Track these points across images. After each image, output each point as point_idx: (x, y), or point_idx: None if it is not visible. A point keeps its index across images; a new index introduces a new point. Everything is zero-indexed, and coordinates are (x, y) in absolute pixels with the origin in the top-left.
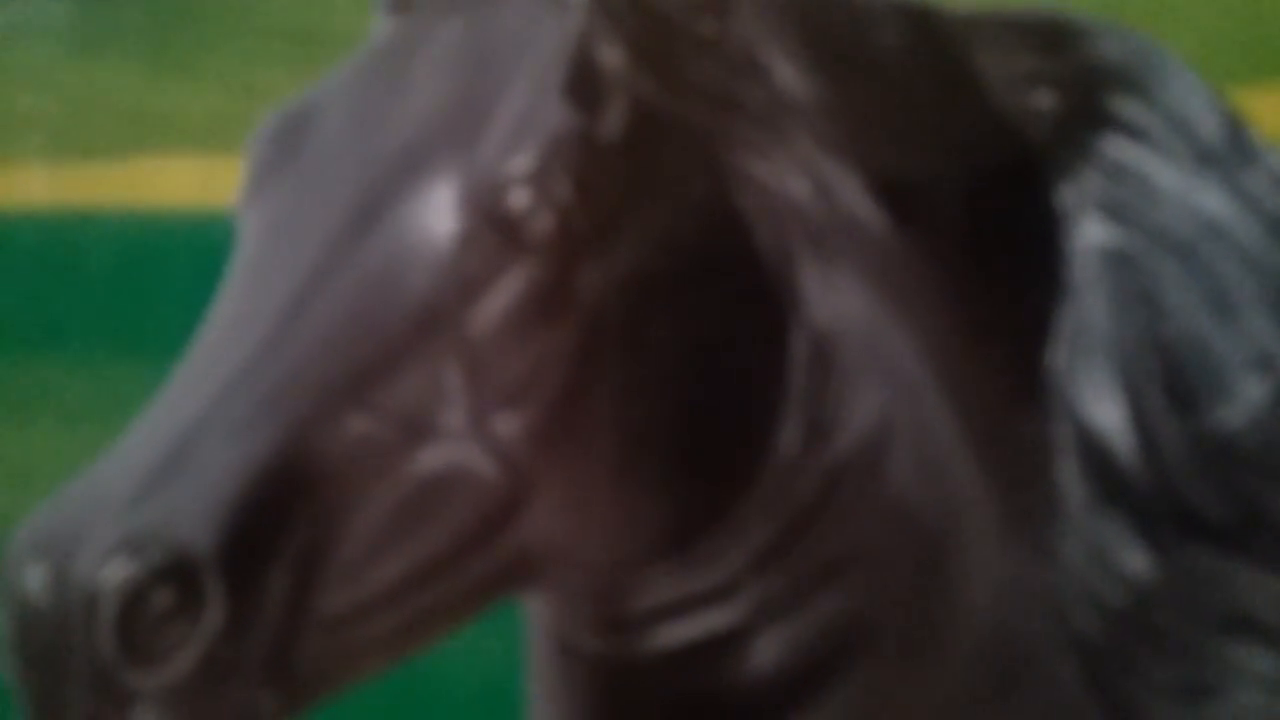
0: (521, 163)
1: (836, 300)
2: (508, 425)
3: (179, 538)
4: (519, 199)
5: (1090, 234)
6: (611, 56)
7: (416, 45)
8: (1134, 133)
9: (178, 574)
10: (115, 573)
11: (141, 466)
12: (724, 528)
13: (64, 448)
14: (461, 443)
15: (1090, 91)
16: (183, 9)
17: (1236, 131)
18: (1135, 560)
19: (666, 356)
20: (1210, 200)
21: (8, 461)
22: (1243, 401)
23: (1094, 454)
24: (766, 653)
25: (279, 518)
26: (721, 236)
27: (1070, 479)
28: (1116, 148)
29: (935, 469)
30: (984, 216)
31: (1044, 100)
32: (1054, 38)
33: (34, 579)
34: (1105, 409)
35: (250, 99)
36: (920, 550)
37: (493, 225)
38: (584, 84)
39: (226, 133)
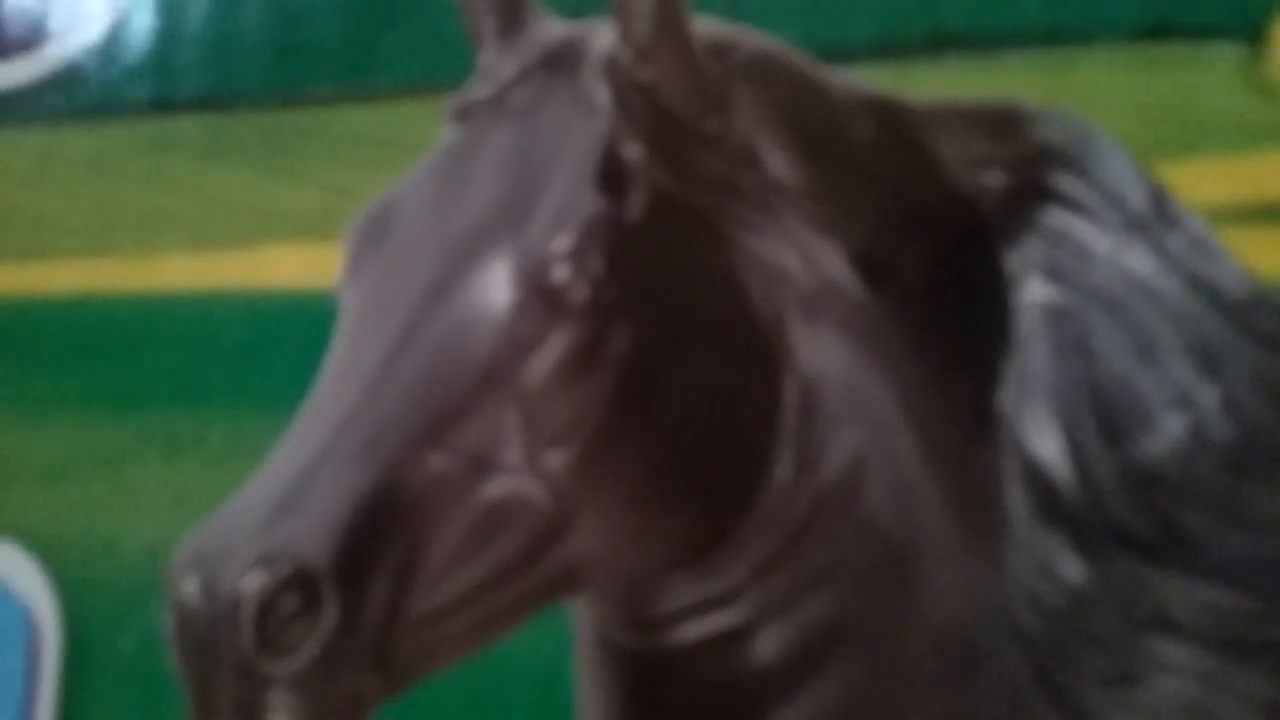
0: (563, 243)
1: (821, 354)
2: (555, 461)
3: (302, 554)
4: (561, 273)
5: (1033, 293)
6: (634, 152)
7: (475, 148)
8: (1072, 204)
9: (301, 583)
10: (253, 582)
11: (270, 497)
12: (729, 544)
13: (210, 483)
14: (518, 476)
15: (1034, 170)
16: (286, 123)
17: (1161, 201)
18: (1071, 569)
19: (681, 402)
20: (1138, 261)
21: (167, 494)
22: (1164, 435)
23: (1036, 480)
24: (765, 647)
25: (378, 538)
26: (725, 301)
27: (1016, 501)
28: (1056, 218)
29: (904, 494)
30: (943, 280)
31: (994, 179)
32: (1003, 124)
33: (189, 588)
34: (1046, 443)
35: (344, 197)
36: (890, 562)
37: (540, 296)
38: (612, 176)
39: (326, 226)
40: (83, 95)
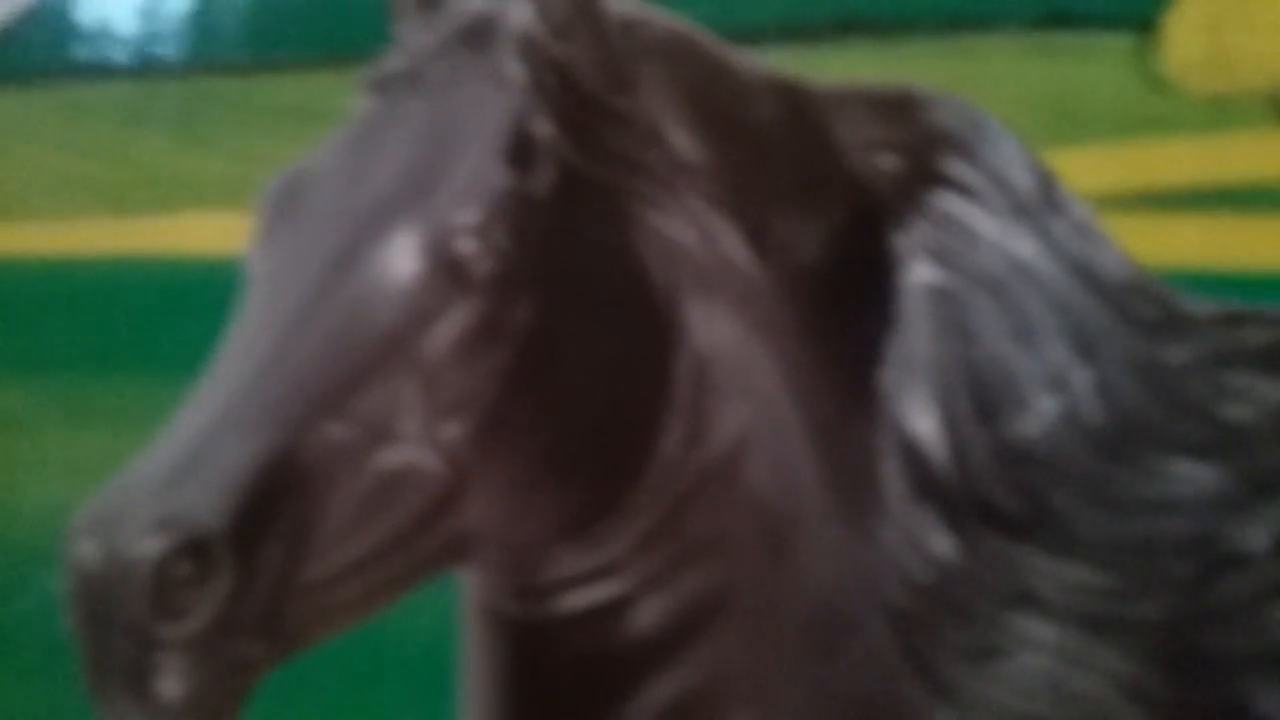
0: (469, 216)
1: (714, 330)
2: (452, 431)
3: (198, 520)
4: (466, 246)
5: (918, 274)
6: (543, 128)
7: (388, 120)
8: (960, 188)
9: (197, 549)
10: (149, 547)
11: (170, 463)
12: (616, 515)
13: (113, 448)
14: (415, 446)
15: (926, 154)
16: (203, 90)
17: (1048, 187)
18: (942, 545)
19: (578, 375)
20: (1022, 246)
21: (69, 458)
22: (1038, 415)
23: (912, 457)
24: (646, 617)
25: (274, 505)
26: (625, 276)
27: (892, 477)
28: (946, 202)
29: (785, 469)
30: (834, 261)
31: (888, 162)
32: (899, 109)
33: (87, 552)
34: (923, 421)
35: (258, 165)
36: (770, 534)
37: (444, 268)
38: (520, 151)
39: (240, 194)
40: (3, 61)
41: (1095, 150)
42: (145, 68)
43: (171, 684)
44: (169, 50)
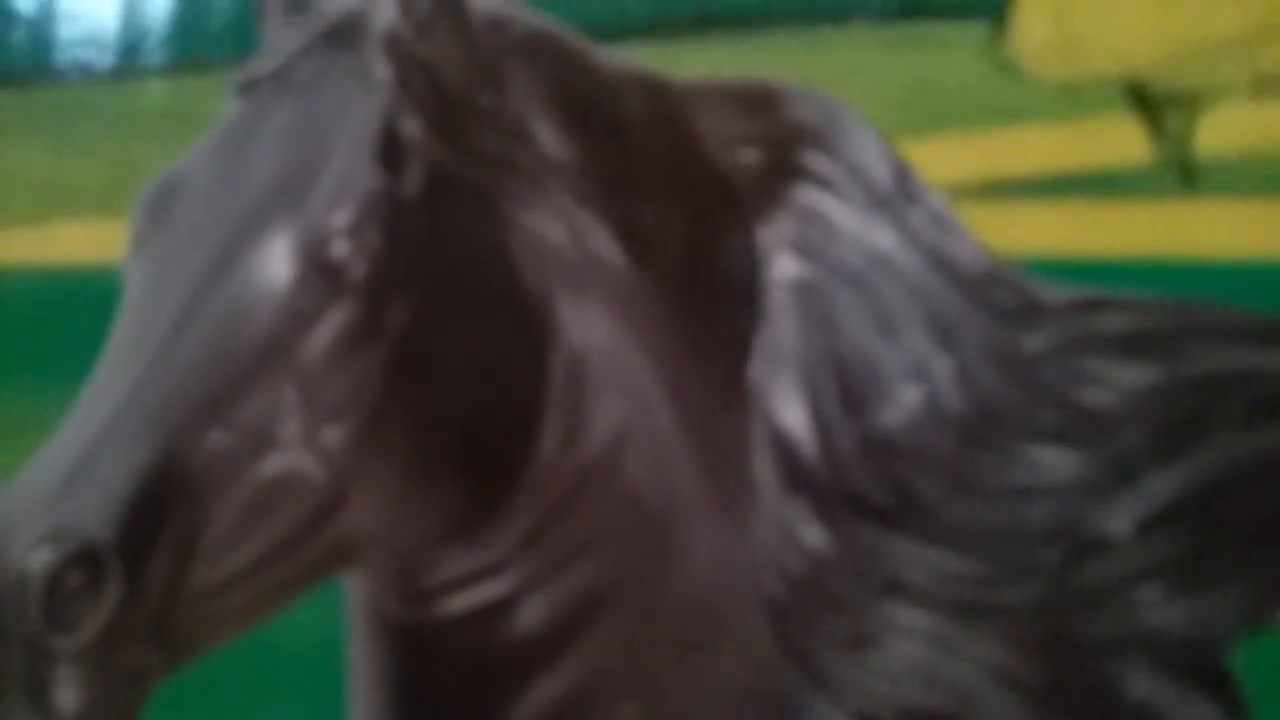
0: (341, 218)
1: (586, 327)
2: (332, 436)
3: (87, 531)
4: (340, 249)
5: (783, 268)
6: (412, 127)
7: (258, 123)
8: (820, 181)
9: (87, 559)
10: (39, 559)
11: (57, 474)
12: (498, 516)
13: None
14: (296, 451)
15: (786, 148)
16: (77, 97)
17: (903, 178)
18: (813, 536)
19: (454, 376)
20: (881, 237)
21: None
22: (901, 405)
23: (782, 449)
24: (531, 615)
25: (161, 513)
26: (497, 276)
27: (764, 469)
28: (806, 195)
29: (661, 464)
30: (701, 255)
31: (749, 156)
32: (759, 103)
33: None
34: (791, 413)
35: (132, 171)
36: (649, 530)
37: (319, 271)
38: (390, 151)
39: (115, 201)
40: None
41: (949, 140)
42: (13, 74)
43: (68, 695)
44: (38, 56)
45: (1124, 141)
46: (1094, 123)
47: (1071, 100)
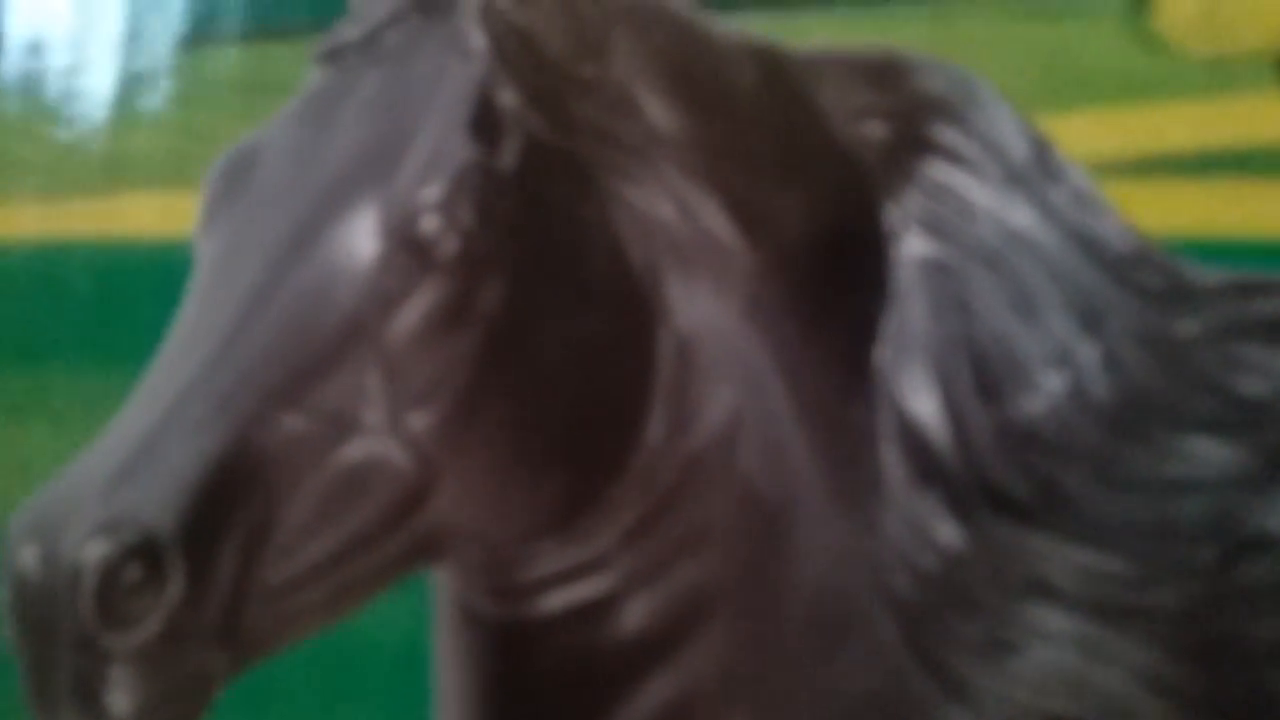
0: (432, 193)
1: (697, 308)
2: (419, 422)
3: (147, 521)
4: (430, 225)
5: (912, 247)
6: (508, 99)
7: (343, 92)
8: (953, 157)
9: (146, 552)
10: (94, 551)
11: (116, 460)
12: (599, 509)
13: (53, 445)
14: (380, 437)
15: (915, 121)
16: (147, 66)
17: (1043, 153)
18: (946, 532)
19: (552, 359)
20: (1018, 215)
21: (6, 458)
22: (1043, 393)
23: (912, 439)
24: (633, 616)
25: (229, 504)
26: (600, 254)
27: (892, 461)
28: (937, 170)
29: (778, 455)
30: (822, 233)
31: (875, 130)
32: (885, 74)
33: (27, 557)
34: (922, 400)
35: (204, 142)
36: (764, 525)
37: (407, 248)
38: (485, 123)
39: (185, 172)
40: None
41: (1089, 115)
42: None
43: (121, 699)
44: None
45: (1275, 118)
46: (1243, 99)
47: (1219, 75)
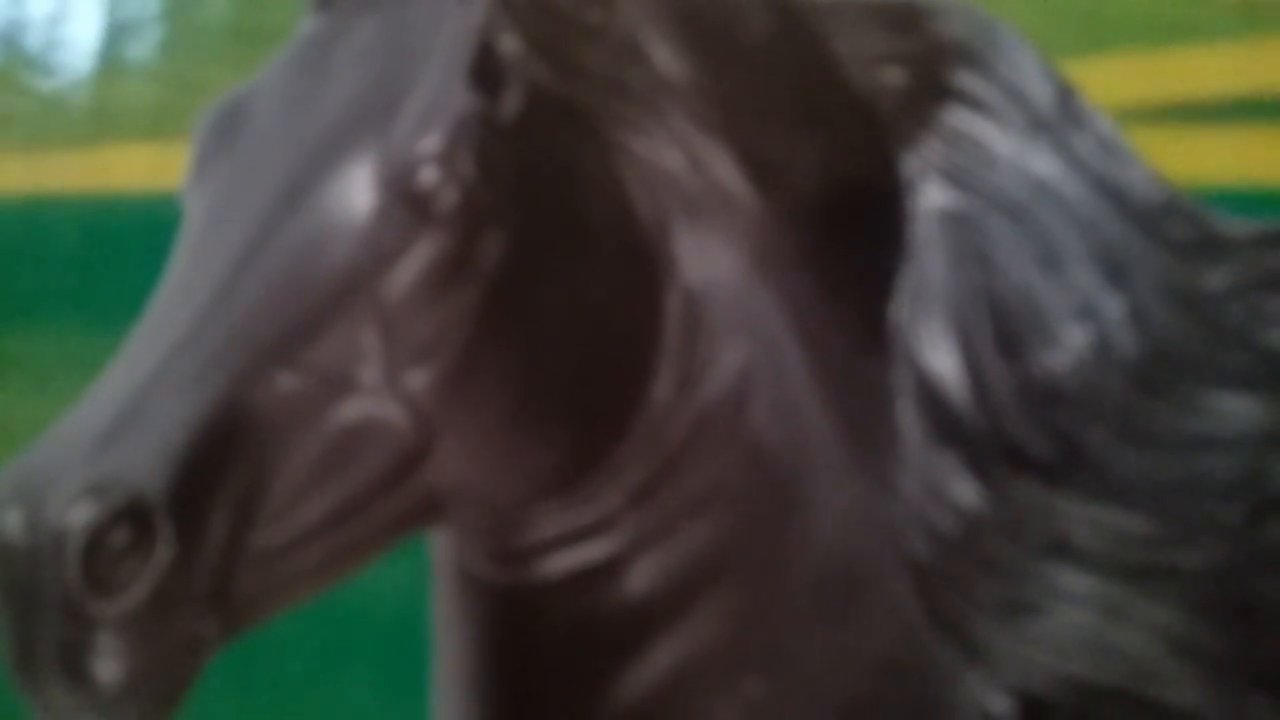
0: (431, 143)
1: (707, 263)
2: (417, 380)
3: (134, 484)
4: (428, 176)
5: (931, 197)
6: (510, 45)
7: (337, 39)
8: (973, 103)
9: (133, 516)
10: (80, 515)
11: (102, 421)
12: (604, 469)
13: (37, 405)
14: (377, 396)
15: (934, 67)
16: (133, 14)
17: (1067, 100)
18: (965, 492)
19: (555, 315)
20: (1042, 163)
21: None
22: (1066, 348)
23: (930, 396)
24: (641, 579)
25: (219, 465)
26: (605, 206)
27: (909, 419)
28: (957, 118)
29: (790, 412)
30: (837, 184)
31: (893, 76)
32: (903, 18)
33: (10, 521)
34: (940, 356)
35: (193, 92)
36: (776, 485)
37: (405, 201)
38: (485, 71)
39: (172, 123)
40: None
41: (1116, 59)
42: None
43: (109, 666)
44: None
45: None
46: (1276, 42)
47: (1254, 17)
